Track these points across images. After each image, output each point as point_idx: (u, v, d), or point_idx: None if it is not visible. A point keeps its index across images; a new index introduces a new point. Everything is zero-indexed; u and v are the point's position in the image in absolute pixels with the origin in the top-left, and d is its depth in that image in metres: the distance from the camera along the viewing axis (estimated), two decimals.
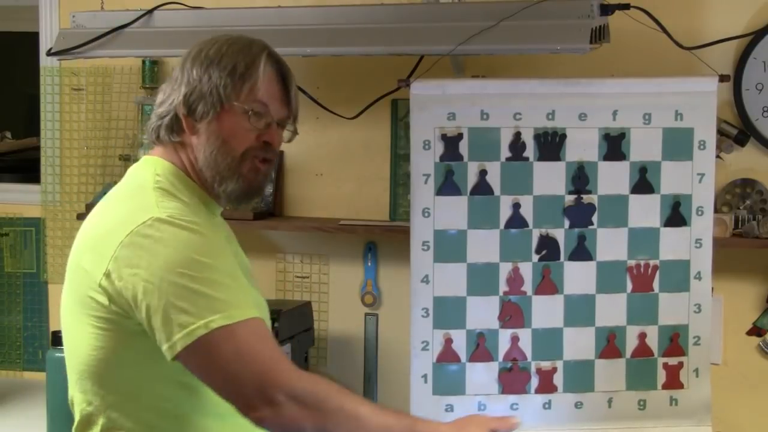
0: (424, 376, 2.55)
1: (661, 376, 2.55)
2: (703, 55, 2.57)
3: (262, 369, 1.58)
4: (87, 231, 1.72)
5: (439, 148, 2.52)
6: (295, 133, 1.85)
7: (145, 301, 1.58)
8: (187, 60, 1.77)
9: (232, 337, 1.57)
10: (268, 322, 1.71)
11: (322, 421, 1.60)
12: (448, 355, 2.54)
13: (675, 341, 2.54)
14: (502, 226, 2.53)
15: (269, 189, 3.01)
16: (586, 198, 2.52)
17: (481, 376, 2.55)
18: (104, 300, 1.63)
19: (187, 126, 1.75)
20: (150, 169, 1.77)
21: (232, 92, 1.73)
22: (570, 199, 2.52)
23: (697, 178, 2.51)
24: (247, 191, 1.78)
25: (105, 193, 3.13)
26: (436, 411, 2.54)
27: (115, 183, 3.12)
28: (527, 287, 2.54)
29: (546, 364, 2.55)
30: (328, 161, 3.06)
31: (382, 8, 2.68)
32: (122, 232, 1.62)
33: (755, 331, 2.75)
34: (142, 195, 1.70)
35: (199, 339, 1.56)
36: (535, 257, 2.53)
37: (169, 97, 1.77)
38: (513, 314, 2.54)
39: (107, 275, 1.61)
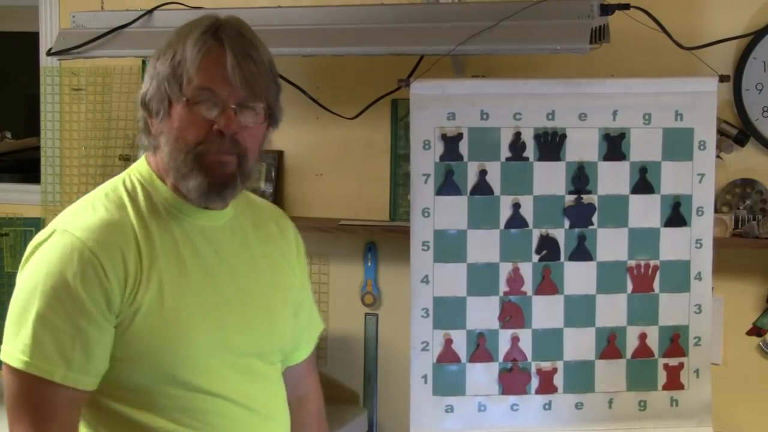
0: (424, 377, 2.55)
1: (662, 377, 2.55)
2: (703, 55, 2.57)
3: None
4: None
5: (439, 148, 2.51)
6: (269, 111, 1.68)
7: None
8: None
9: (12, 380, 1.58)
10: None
11: None
12: (448, 355, 2.54)
13: (675, 342, 2.54)
14: (502, 226, 2.53)
15: (269, 189, 3.00)
16: (586, 198, 2.51)
17: (481, 376, 2.55)
18: None
19: (151, 126, 1.68)
20: (128, 170, 1.75)
21: (174, 83, 1.62)
22: (570, 199, 2.52)
23: (697, 178, 2.50)
24: (211, 185, 1.64)
25: None
26: (436, 411, 2.55)
27: None
28: (527, 287, 2.53)
29: (546, 365, 2.55)
30: (328, 161, 3.06)
31: (382, 8, 2.68)
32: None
33: (755, 331, 2.75)
34: (81, 201, 1.70)
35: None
36: (535, 257, 2.53)
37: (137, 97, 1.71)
38: (513, 314, 2.54)
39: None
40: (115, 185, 1.71)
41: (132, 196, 1.69)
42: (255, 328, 1.75)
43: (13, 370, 1.57)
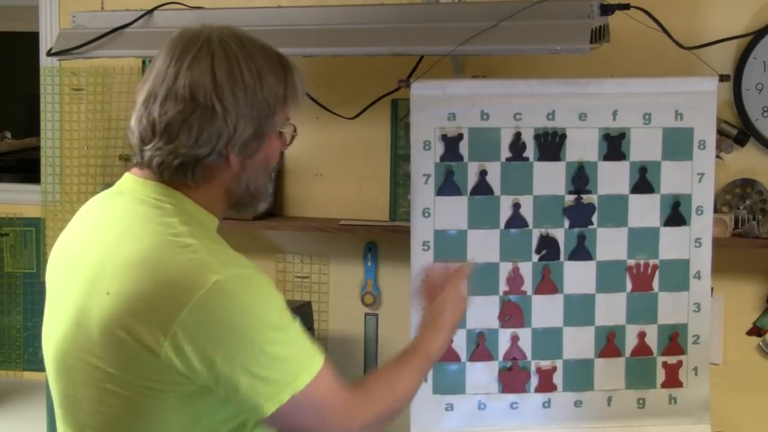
0: (424, 376, 2.54)
1: (661, 375, 2.55)
2: (703, 55, 2.58)
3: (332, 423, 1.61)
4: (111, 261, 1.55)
5: (439, 148, 2.52)
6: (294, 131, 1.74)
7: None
8: (205, 80, 1.55)
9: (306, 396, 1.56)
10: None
11: (391, 409, 1.76)
12: (447, 354, 2.54)
13: (674, 340, 2.54)
14: (502, 226, 2.53)
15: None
16: (586, 198, 2.52)
17: (481, 375, 2.55)
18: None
19: (235, 163, 1.60)
20: (164, 203, 1.59)
21: (271, 118, 1.61)
22: (570, 199, 2.52)
23: (697, 178, 2.51)
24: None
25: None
26: (436, 410, 2.55)
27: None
28: (527, 287, 2.54)
29: (546, 364, 2.56)
30: (328, 161, 3.06)
31: (382, 8, 2.68)
32: (185, 296, 1.48)
33: (755, 331, 2.76)
34: (185, 244, 1.53)
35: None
36: (535, 257, 2.53)
37: (193, 135, 1.56)
38: (513, 314, 2.54)
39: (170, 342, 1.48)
40: (180, 231, 1.55)
41: (198, 228, 1.59)
42: None
43: (314, 378, 1.56)
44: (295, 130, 1.71)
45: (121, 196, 1.66)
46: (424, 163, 2.52)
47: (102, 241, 1.60)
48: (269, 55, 1.63)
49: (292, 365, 1.55)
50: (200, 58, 1.58)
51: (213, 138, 1.56)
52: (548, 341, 2.55)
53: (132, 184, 1.65)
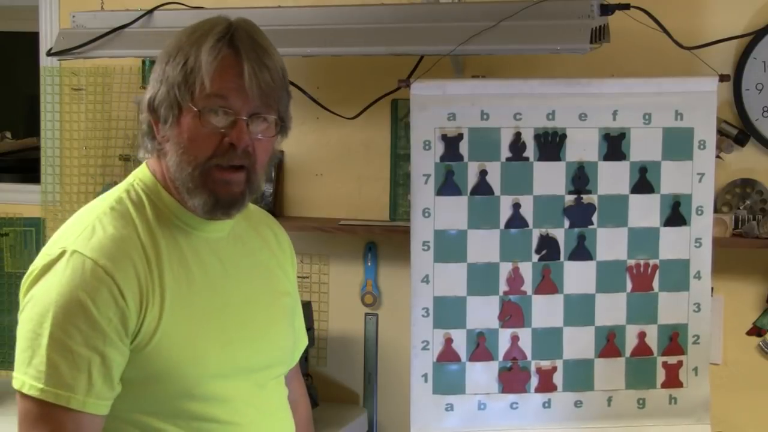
0: (425, 376, 2.55)
1: (661, 375, 2.55)
2: (703, 55, 2.57)
3: None
4: None
5: (439, 148, 2.52)
6: (280, 122, 1.62)
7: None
8: (162, 52, 1.61)
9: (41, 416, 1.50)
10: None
11: None
12: (448, 354, 2.54)
13: (674, 340, 2.54)
14: (502, 226, 2.53)
15: (269, 189, 3.00)
16: (586, 198, 2.52)
17: (481, 375, 2.55)
18: None
19: (157, 131, 1.60)
20: (130, 179, 1.67)
21: (185, 90, 1.55)
22: (570, 199, 2.52)
23: (697, 178, 2.51)
24: (216, 205, 1.59)
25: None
26: (436, 410, 2.55)
27: (115, 183, 3.12)
28: (527, 287, 2.54)
29: (546, 364, 2.56)
30: (328, 161, 3.06)
31: (382, 8, 2.68)
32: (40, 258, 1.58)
33: (755, 331, 2.76)
34: (84, 216, 1.61)
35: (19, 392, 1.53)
36: (535, 257, 2.53)
37: (143, 100, 1.62)
38: (513, 314, 2.54)
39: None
40: (119, 197, 1.63)
41: (138, 208, 1.61)
42: (262, 341, 1.71)
43: (28, 398, 1.50)
44: (259, 126, 1.59)
45: None
46: (424, 163, 2.52)
47: None
48: (200, 28, 1.59)
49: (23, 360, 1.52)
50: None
51: (144, 96, 1.61)
52: (548, 341, 2.54)
53: None
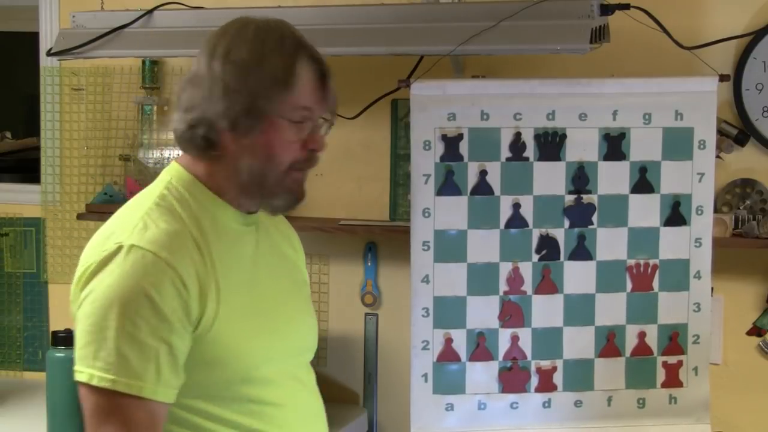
0: (425, 376, 2.55)
1: (661, 375, 2.55)
2: (703, 55, 2.57)
3: None
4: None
5: (439, 148, 2.52)
6: (332, 123, 1.76)
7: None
8: (214, 58, 1.64)
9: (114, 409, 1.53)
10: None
11: None
12: (448, 354, 2.55)
13: (674, 340, 2.54)
14: (502, 226, 2.53)
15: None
16: (586, 198, 2.52)
17: (481, 375, 2.55)
18: None
19: (227, 141, 1.64)
20: (165, 177, 1.71)
21: (276, 103, 1.63)
22: (570, 199, 2.52)
23: (697, 178, 2.51)
24: (293, 204, 1.73)
25: (105, 193, 3.14)
26: (437, 410, 2.55)
27: (115, 183, 3.12)
28: (527, 287, 2.54)
29: (546, 363, 2.56)
30: (328, 161, 3.01)
31: (382, 8, 2.68)
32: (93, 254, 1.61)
33: (755, 331, 2.76)
34: (130, 213, 1.66)
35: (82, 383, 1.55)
36: (535, 257, 2.53)
37: (200, 105, 1.64)
38: (513, 314, 2.54)
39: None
40: (161, 194, 1.68)
41: (182, 203, 1.67)
42: (298, 328, 1.81)
43: (96, 391, 1.53)
44: (323, 128, 1.73)
45: None
46: (424, 163, 2.52)
47: None
48: (284, 41, 1.68)
49: (85, 351, 1.55)
50: (217, 39, 1.67)
51: (196, 100, 1.63)
52: (548, 341, 2.55)
53: None
